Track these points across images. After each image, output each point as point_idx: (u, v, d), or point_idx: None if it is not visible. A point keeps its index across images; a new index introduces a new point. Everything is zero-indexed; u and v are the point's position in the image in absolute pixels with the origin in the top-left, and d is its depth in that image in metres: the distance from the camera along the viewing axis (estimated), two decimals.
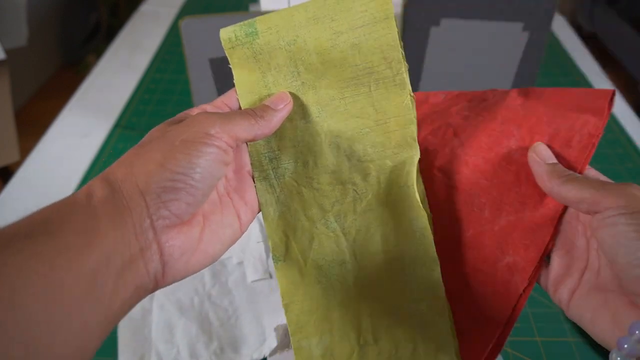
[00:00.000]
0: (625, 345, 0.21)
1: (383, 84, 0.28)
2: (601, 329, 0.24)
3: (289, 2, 0.58)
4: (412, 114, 0.28)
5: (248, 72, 0.29)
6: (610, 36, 1.78)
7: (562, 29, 0.95)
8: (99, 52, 1.57)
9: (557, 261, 0.27)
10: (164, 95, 0.74)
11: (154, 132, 0.25)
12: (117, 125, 0.68)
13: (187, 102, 0.71)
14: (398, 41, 0.27)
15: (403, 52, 0.27)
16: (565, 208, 0.27)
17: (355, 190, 0.30)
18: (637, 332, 0.20)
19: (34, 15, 1.78)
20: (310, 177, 0.30)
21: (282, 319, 0.42)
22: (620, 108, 0.75)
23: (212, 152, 0.23)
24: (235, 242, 0.28)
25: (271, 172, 0.30)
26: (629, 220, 0.22)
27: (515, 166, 0.29)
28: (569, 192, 0.25)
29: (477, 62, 0.60)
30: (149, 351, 0.41)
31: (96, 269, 0.19)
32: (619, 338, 0.22)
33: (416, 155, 0.29)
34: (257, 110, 0.27)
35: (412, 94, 0.28)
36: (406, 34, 0.56)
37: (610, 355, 0.22)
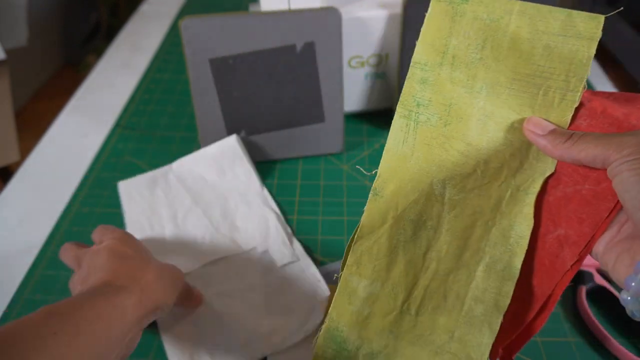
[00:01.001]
0: (633, 284, 0.22)
1: (552, 94, 0.28)
2: (619, 272, 0.25)
3: (288, 3, 0.58)
4: None
5: (437, 27, 0.30)
6: (610, 36, 1.78)
7: None
8: (99, 52, 1.57)
9: None
10: (164, 95, 0.74)
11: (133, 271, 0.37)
12: (117, 125, 0.68)
13: (187, 102, 0.71)
14: (590, 62, 0.28)
15: (589, 73, 0.28)
16: None
17: (477, 171, 0.30)
18: None
19: (34, 15, 1.78)
20: (447, 138, 0.31)
21: (320, 295, 0.43)
22: None
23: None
24: None
25: (413, 115, 0.31)
26: (632, 166, 0.23)
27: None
28: (580, 152, 0.26)
29: None
30: (197, 350, 0.41)
31: (104, 353, 0.30)
32: (626, 277, 0.23)
33: (549, 170, 0.29)
34: (193, 295, 0.43)
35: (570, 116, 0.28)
36: (406, 34, 0.56)
37: (620, 296, 0.23)
